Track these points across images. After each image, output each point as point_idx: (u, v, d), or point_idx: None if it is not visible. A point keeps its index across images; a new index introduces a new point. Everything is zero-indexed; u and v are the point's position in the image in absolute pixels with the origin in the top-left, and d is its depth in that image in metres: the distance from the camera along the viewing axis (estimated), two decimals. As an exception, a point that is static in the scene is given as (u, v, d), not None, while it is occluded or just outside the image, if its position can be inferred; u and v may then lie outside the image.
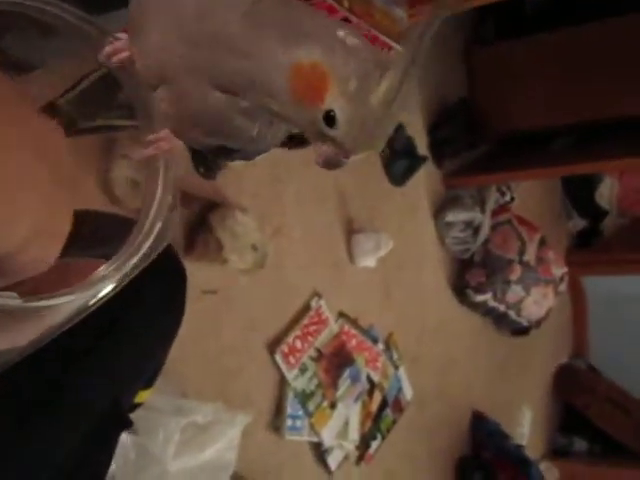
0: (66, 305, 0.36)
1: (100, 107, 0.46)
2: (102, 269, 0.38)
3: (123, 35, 0.46)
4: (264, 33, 0.45)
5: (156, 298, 0.63)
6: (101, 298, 0.38)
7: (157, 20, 0.46)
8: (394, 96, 0.46)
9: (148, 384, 0.63)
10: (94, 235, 0.44)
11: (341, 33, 0.45)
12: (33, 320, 0.36)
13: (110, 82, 0.44)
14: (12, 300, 0.33)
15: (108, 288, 0.38)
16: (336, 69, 0.45)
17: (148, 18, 0.46)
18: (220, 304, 1.46)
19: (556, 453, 3.14)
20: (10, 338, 0.36)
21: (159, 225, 0.40)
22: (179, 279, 0.67)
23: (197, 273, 1.40)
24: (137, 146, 0.44)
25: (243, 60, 0.45)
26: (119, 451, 1.15)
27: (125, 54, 0.45)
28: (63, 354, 0.53)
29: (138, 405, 0.63)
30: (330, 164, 0.48)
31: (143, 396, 0.62)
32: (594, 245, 3.48)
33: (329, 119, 0.45)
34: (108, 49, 0.45)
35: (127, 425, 0.59)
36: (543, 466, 2.79)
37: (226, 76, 0.46)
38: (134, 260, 0.39)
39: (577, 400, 3.21)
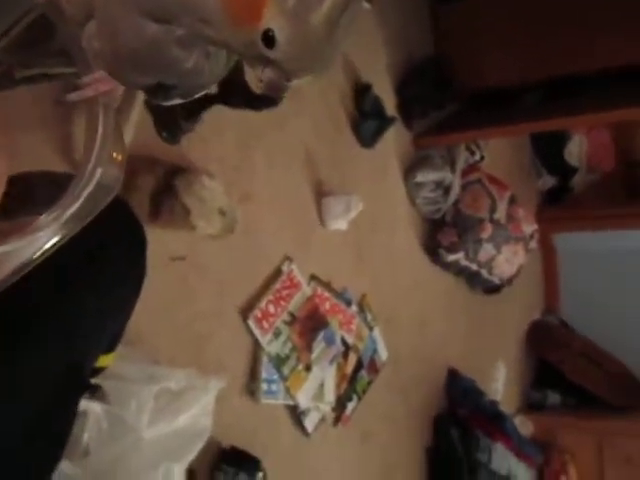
0: (8, 256, 0.35)
1: (35, 54, 0.44)
2: (41, 219, 0.36)
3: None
4: None
5: (115, 262, 0.61)
6: (46, 250, 0.37)
7: None
8: (338, 15, 0.43)
9: (109, 348, 0.62)
10: (38, 195, 0.42)
11: None
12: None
13: (44, 26, 0.42)
14: None
15: (52, 239, 0.36)
16: None
17: None
18: (189, 270, 1.44)
19: (530, 407, 3.20)
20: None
21: (99, 171, 0.38)
22: (139, 242, 0.65)
23: (164, 240, 1.38)
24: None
25: None
26: (92, 421, 1.14)
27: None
28: (16, 317, 0.51)
29: (100, 369, 0.62)
30: (273, 89, 0.45)
31: (105, 360, 0.61)
32: (564, 202, 3.51)
33: (268, 40, 0.42)
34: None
35: (87, 387, 0.57)
36: (517, 420, 2.85)
37: (156, 1, 0.43)
38: (73, 208, 0.37)
39: (550, 355, 3.27)
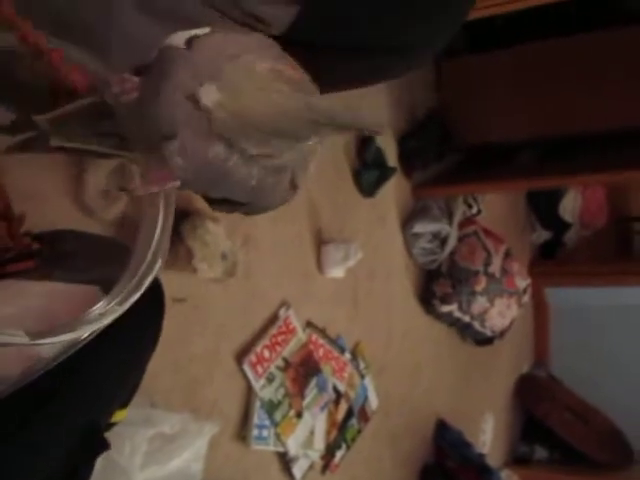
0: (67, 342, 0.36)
1: (82, 131, 0.47)
2: (102, 305, 0.38)
3: (134, 78, 0.47)
4: None
5: (136, 322, 0.63)
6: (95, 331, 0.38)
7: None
8: None
9: (124, 404, 0.63)
10: (81, 257, 0.44)
11: None
12: (28, 351, 0.36)
13: (97, 110, 0.45)
14: (20, 338, 0.33)
15: (106, 322, 0.38)
16: None
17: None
18: (189, 313, 1.45)
19: (517, 461, 3.19)
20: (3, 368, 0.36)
21: (159, 263, 0.40)
22: (159, 304, 0.67)
23: (166, 281, 1.38)
24: (139, 180, 0.45)
25: None
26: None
27: (134, 95, 0.46)
28: (39, 379, 0.53)
29: (113, 424, 0.63)
30: None
31: (119, 416, 0.62)
32: (557, 257, 3.55)
33: None
34: (116, 89, 0.46)
35: (104, 448, 0.58)
36: (504, 474, 2.84)
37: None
38: (136, 296, 0.39)
39: (538, 408, 3.27)
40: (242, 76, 0.53)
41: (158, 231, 0.43)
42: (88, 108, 0.44)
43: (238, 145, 0.49)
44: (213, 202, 0.55)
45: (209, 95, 0.50)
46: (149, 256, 0.41)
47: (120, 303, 0.39)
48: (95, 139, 0.46)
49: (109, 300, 0.39)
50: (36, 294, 0.41)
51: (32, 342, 0.34)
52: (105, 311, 0.38)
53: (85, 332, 0.37)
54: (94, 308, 0.38)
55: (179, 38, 0.51)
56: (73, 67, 0.47)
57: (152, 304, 0.66)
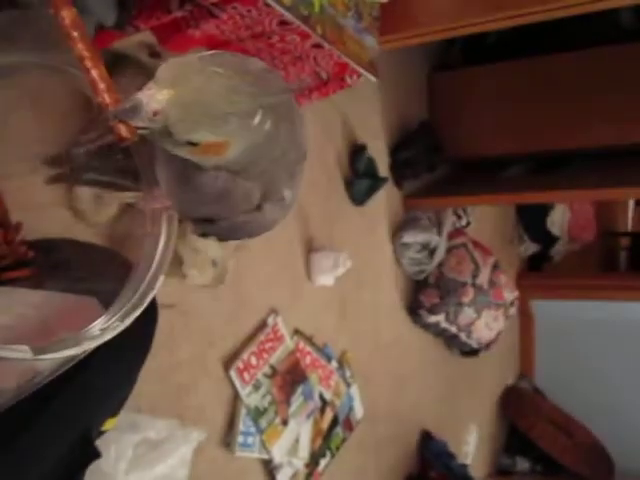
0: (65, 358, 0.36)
1: (109, 165, 0.49)
2: (103, 320, 0.38)
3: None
4: None
5: (130, 336, 0.63)
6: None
7: None
8: None
9: (114, 413, 0.63)
10: (76, 266, 0.44)
11: None
12: (25, 365, 0.36)
13: (116, 149, 0.46)
14: (24, 353, 0.33)
15: (107, 338, 0.38)
16: None
17: None
18: (177, 318, 1.45)
19: (499, 472, 3.20)
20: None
21: (161, 280, 0.41)
22: (152, 319, 0.67)
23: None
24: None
25: None
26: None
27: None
28: (35, 392, 0.53)
29: (103, 432, 0.63)
30: None
31: (109, 424, 0.62)
32: (544, 270, 3.57)
33: None
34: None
35: (96, 457, 0.59)
36: (486, 485, 2.85)
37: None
38: (137, 312, 0.39)
39: (521, 421, 3.28)
40: (176, 69, 0.55)
41: (160, 248, 0.43)
42: (108, 146, 0.46)
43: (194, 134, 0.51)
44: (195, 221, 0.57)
45: (155, 96, 0.52)
46: (151, 272, 0.41)
47: (122, 319, 0.39)
48: (108, 174, 0.47)
49: (110, 315, 0.39)
50: (32, 303, 0.41)
51: (35, 357, 0.34)
52: (107, 327, 0.38)
53: (86, 348, 0.37)
54: (95, 323, 0.38)
55: None
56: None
57: (146, 316, 0.66)
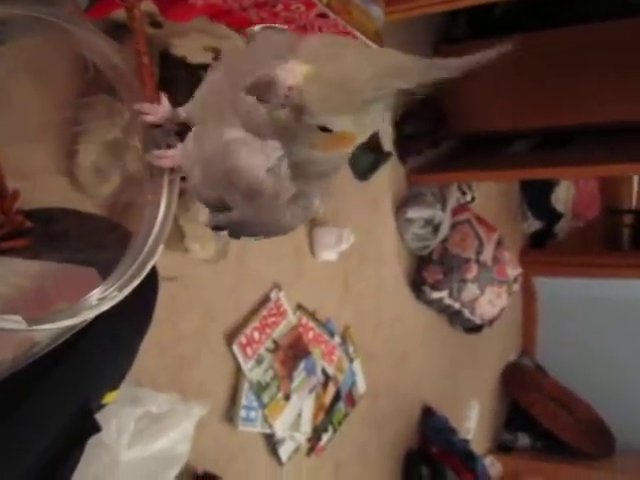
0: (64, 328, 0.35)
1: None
2: (100, 290, 0.37)
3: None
4: None
5: (129, 305, 0.62)
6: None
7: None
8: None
9: (115, 386, 0.62)
10: (75, 236, 0.43)
11: None
12: (22, 336, 0.35)
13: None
14: (18, 324, 0.32)
15: (105, 308, 0.37)
16: None
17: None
18: (179, 292, 1.44)
19: (500, 448, 3.22)
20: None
21: (161, 249, 0.39)
22: (153, 291, 0.66)
23: (157, 260, 1.38)
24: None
25: None
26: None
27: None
28: (33, 363, 0.52)
29: (103, 406, 0.62)
30: None
31: (109, 397, 0.62)
32: (547, 246, 3.56)
33: None
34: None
35: (96, 430, 0.58)
36: (487, 460, 2.86)
37: None
38: (137, 281, 0.38)
39: (522, 397, 3.29)
40: (322, 44, 0.50)
41: (161, 216, 0.41)
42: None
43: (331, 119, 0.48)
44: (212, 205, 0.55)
45: (294, 71, 0.47)
46: (151, 241, 0.40)
47: (120, 289, 0.37)
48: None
49: (108, 285, 0.37)
50: (29, 274, 0.39)
51: (29, 328, 0.33)
52: (104, 296, 0.37)
53: (83, 318, 0.36)
54: (92, 293, 0.37)
55: None
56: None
57: (147, 286, 0.65)
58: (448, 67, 0.49)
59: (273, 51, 0.50)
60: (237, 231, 0.58)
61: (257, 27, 0.55)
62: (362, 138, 0.53)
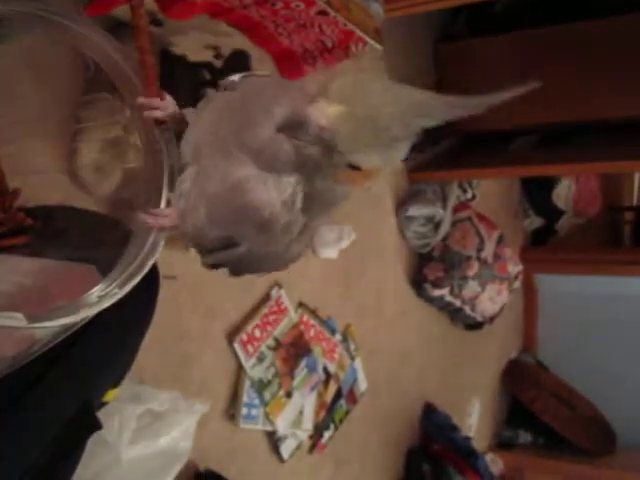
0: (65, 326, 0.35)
1: None
2: (101, 287, 0.37)
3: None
4: None
5: (130, 302, 0.62)
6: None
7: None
8: None
9: (116, 384, 0.62)
10: (75, 234, 0.43)
11: None
12: (23, 333, 0.35)
13: None
14: (18, 321, 0.32)
15: (105, 306, 0.37)
16: None
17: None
18: (180, 290, 1.44)
19: (501, 445, 3.21)
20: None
21: (161, 246, 0.39)
22: (154, 289, 0.66)
23: (158, 258, 1.38)
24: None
25: None
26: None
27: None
28: (36, 359, 0.52)
29: (104, 404, 0.62)
30: None
31: (111, 395, 0.62)
32: (548, 244, 3.55)
33: None
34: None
35: (97, 428, 0.58)
36: (488, 457, 2.86)
37: None
38: (137, 279, 0.38)
39: (524, 394, 3.29)
40: (350, 83, 0.52)
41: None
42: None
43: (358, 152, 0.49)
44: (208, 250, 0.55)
45: (324, 111, 0.49)
46: (151, 239, 0.40)
47: (120, 286, 0.38)
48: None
49: (108, 282, 0.38)
50: (30, 271, 0.40)
51: (30, 325, 0.33)
52: (105, 294, 0.37)
53: (83, 316, 0.36)
54: (93, 291, 0.37)
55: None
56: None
57: (148, 284, 0.65)
58: (471, 105, 0.52)
59: (267, 97, 0.53)
60: (239, 268, 0.60)
61: (236, 76, 0.57)
62: (388, 170, 0.56)
